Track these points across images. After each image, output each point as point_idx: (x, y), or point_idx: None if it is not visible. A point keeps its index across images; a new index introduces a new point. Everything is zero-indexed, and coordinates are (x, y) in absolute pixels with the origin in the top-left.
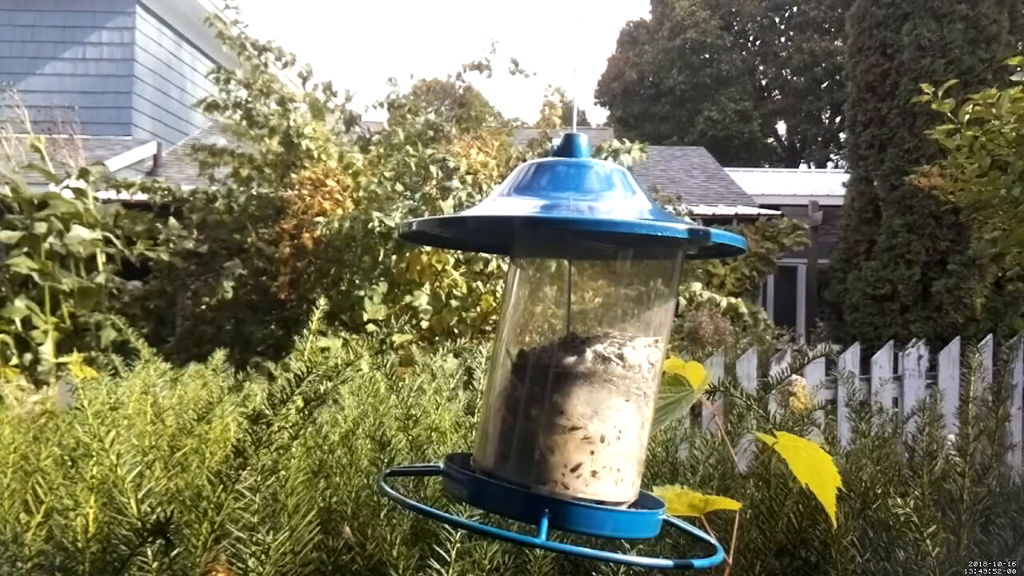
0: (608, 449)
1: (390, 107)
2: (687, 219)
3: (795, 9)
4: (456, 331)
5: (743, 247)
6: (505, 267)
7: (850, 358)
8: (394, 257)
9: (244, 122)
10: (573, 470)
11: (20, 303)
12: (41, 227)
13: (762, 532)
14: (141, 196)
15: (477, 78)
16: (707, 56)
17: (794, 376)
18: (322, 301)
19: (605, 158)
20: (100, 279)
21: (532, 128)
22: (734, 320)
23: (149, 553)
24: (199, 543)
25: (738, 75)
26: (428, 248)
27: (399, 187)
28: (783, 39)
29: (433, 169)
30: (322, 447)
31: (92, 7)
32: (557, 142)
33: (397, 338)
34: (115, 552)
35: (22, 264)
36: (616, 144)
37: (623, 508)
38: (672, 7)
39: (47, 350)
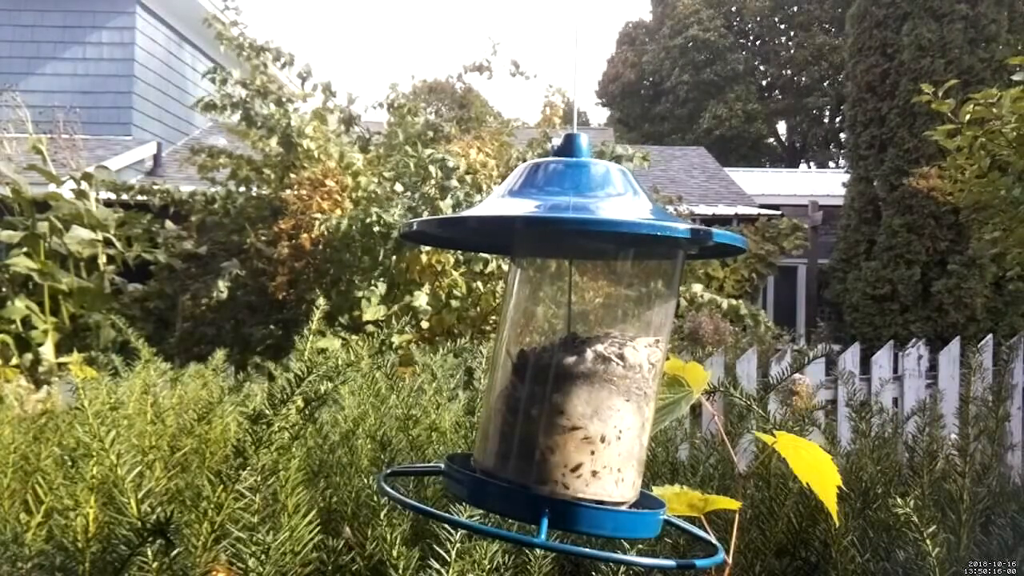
0: (608, 449)
1: (390, 108)
2: (688, 219)
3: (796, 8)
4: (456, 331)
5: (744, 247)
6: (505, 267)
7: (850, 358)
8: (394, 257)
9: (243, 123)
10: (573, 470)
11: (20, 303)
12: (42, 227)
13: (762, 532)
14: (141, 197)
15: (478, 79)
16: (708, 55)
17: (796, 376)
18: (321, 301)
19: (607, 161)
20: (101, 280)
21: (532, 128)
22: (734, 321)
23: (149, 553)
24: (199, 543)
25: (739, 74)
26: (428, 248)
27: (398, 187)
28: (784, 38)
29: (432, 169)
30: (322, 447)
31: (92, 7)
32: (557, 142)
33: (397, 338)
34: (115, 552)
35: (22, 264)
36: (619, 150)
37: (623, 508)
38: (673, 6)
39: (47, 350)
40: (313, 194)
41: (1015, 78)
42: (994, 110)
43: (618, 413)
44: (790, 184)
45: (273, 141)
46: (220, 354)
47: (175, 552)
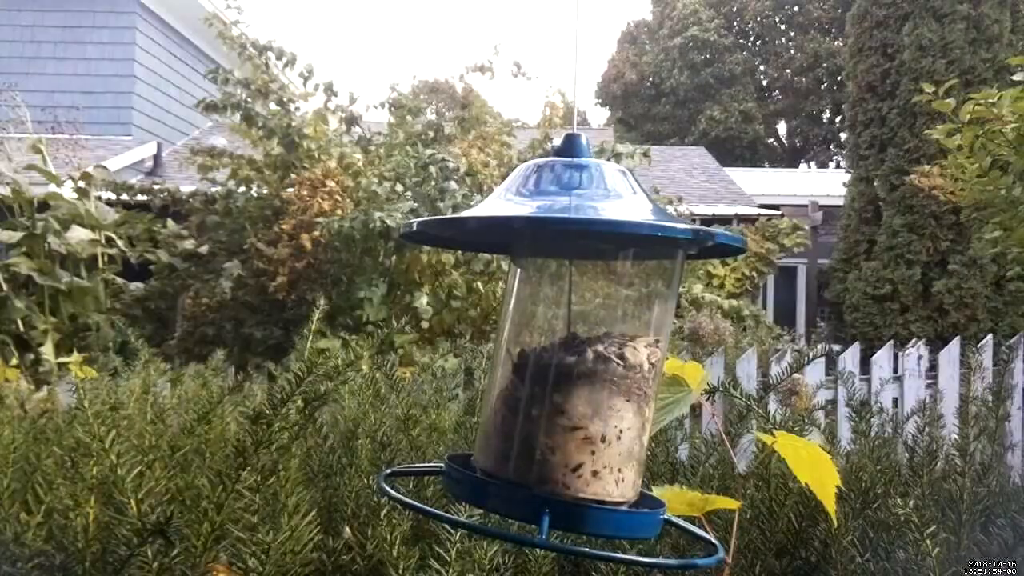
0: (609, 449)
1: (391, 108)
2: (687, 219)
3: (796, 9)
4: (457, 331)
5: (743, 247)
6: (506, 267)
7: (850, 358)
8: (394, 257)
9: (244, 123)
10: (574, 470)
11: (20, 303)
12: (42, 227)
13: (762, 532)
14: (141, 197)
15: (479, 79)
16: (708, 56)
17: (796, 375)
18: (322, 302)
19: (608, 159)
20: (100, 280)
21: (533, 128)
22: (735, 321)
23: (149, 553)
24: (199, 543)
25: (739, 75)
26: (428, 248)
27: (399, 187)
28: (784, 39)
29: (433, 170)
30: (322, 447)
31: (92, 7)
32: (558, 142)
33: (397, 338)
34: (115, 552)
35: (22, 264)
36: (619, 147)
37: (624, 508)
38: (673, 6)
39: (47, 350)
40: (314, 194)
41: (1015, 78)
42: (994, 110)
43: (618, 413)
44: (790, 184)
45: (274, 141)
46: (220, 354)
47: (175, 552)
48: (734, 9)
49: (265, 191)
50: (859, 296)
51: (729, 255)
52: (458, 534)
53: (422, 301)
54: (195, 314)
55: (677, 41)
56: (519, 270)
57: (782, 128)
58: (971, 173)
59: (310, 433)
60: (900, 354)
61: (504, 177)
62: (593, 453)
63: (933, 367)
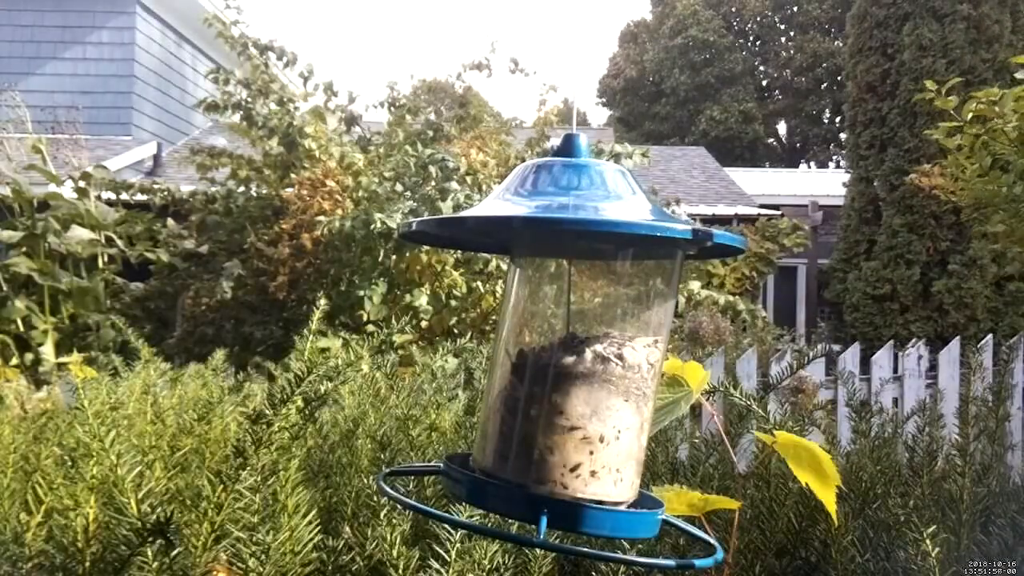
0: (607, 449)
1: (390, 107)
2: (686, 219)
3: (796, 9)
4: (456, 331)
5: (743, 247)
6: (505, 267)
7: (850, 358)
8: (394, 257)
9: (244, 123)
10: (572, 470)
11: (20, 303)
12: (42, 227)
13: (762, 532)
14: (141, 197)
15: (477, 78)
16: (708, 56)
17: (802, 373)
18: (322, 301)
19: (606, 160)
20: (100, 279)
21: (531, 128)
22: (734, 320)
23: (149, 553)
24: (199, 543)
25: (739, 75)
26: (427, 248)
27: (399, 187)
28: (784, 39)
29: (432, 169)
30: (322, 447)
31: (92, 7)
32: (556, 142)
33: (397, 338)
34: (115, 552)
35: (22, 264)
36: (618, 148)
37: (622, 508)
38: (672, 6)
39: (47, 350)
40: (314, 194)
41: (1017, 76)
42: (996, 108)
43: (617, 413)
44: (790, 184)
45: (274, 141)
46: (220, 354)
47: (175, 552)
48: (734, 9)
49: (265, 191)
50: (859, 296)
51: (728, 255)
52: (458, 534)
53: (422, 301)
54: (195, 314)
55: (677, 41)
56: (518, 270)
57: (782, 128)
58: (971, 173)
59: (310, 433)
60: (900, 354)
61: (503, 176)
62: (591, 453)
63: (933, 367)
